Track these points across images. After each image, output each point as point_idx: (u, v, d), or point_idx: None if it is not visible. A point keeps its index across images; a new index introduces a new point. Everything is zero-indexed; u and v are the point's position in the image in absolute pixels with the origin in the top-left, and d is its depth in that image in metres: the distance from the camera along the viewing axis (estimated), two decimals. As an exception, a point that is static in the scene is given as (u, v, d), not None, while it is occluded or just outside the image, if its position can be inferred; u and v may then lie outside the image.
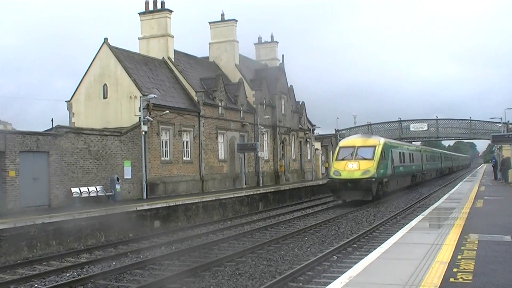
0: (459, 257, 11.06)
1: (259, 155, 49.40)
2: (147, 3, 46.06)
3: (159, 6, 45.91)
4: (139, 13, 46.37)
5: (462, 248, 12.15)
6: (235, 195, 35.15)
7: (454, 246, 12.42)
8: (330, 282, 9.44)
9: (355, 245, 19.30)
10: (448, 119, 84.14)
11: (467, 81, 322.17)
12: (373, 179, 35.37)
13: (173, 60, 45.15)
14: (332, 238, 21.37)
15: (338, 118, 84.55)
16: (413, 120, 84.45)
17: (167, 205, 27.96)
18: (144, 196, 33.67)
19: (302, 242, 20.15)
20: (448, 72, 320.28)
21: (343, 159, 36.63)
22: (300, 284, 13.69)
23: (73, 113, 38.79)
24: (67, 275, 15.94)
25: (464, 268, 9.90)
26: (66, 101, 39.07)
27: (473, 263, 10.36)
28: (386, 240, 14.59)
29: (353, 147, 37.08)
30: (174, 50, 46.38)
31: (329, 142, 74.19)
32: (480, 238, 13.63)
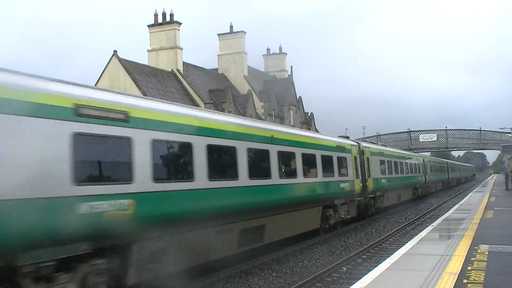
0: (469, 268, 11.00)
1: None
2: (156, 16, 46.39)
3: (168, 19, 46.24)
4: (148, 26, 46.70)
5: (472, 259, 12.09)
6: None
7: (464, 257, 12.36)
8: (340, 294, 9.42)
9: (364, 256, 19.18)
10: (458, 129, 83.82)
11: (477, 91, 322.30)
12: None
13: (182, 72, 45.37)
14: (341, 249, 21.25)
15: (347, 129, 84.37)
16: (423, 130, 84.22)
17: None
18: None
19: (311, 254, 20.05)
20: (459, 82, 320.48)
21: None
22: (310, 295, 13.62)
23: (83, 125, 38.91)
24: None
25: (475, 279, 9.84)
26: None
27: (484, 274, 10.30)
28: (395, 251, 14.53)
29: None
30: (183, 62, 46.64)
31: (338, 153, 73.82)
32: (491, 249, 13.54)
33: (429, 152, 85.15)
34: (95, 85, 38.82)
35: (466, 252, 13.09)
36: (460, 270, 10.75)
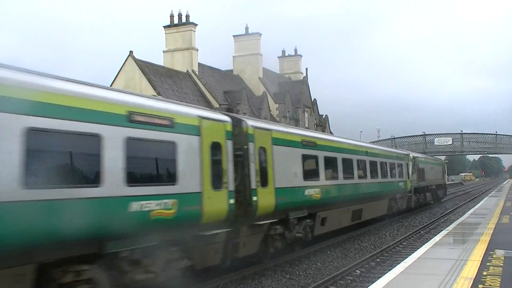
0: (484, 273, 10.91)
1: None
2: (172, 17, 46.54)
3: (183, 20, 46.37)
4: (164, 27, 46.87)
5: (488, 264, 11.98)
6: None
7: (480, 262, 12.26)
8: (353, 297, 9.38)
9: (378, 260, 19.08)
10: (474, 133, 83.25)
11: (496, 95, 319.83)
12: None
13: (197, 73, 45.47)
14: (355, 252, 21.16)
15: (361, 131, 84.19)
16: (438, 134, 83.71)
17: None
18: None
19: (324, 256, 19.99)
20: (478, 86, 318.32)
21: None
22: (323, 298, 13.57)
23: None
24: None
25: (490, 285, 9.76)
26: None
27: (499, 280, 10.21)
28: (410, 254, 14.44)
29: None
30: (199, 63, 46.74)
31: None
32: (507, 254, 13.42)
33: (444, 156, 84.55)
34: (111, 85, 39.05)
35: (482, 257, 12.98)
36: (476, 275, 10.66)
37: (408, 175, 35.40)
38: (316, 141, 20.37)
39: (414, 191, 37.43)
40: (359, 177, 25.11)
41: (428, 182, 43.59)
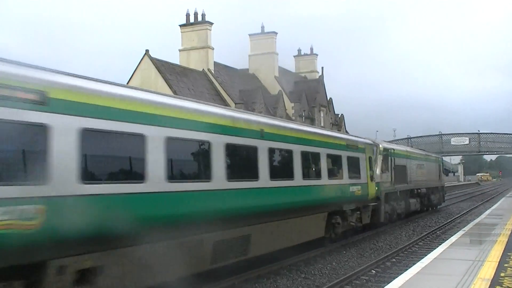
0: (502, 274, 10.81)
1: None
2: (188, 16, 46.64)
3: (199, 19, 46.45)
4: (180, 25, 46.97)
5: (506, 265, 11.88)
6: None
7: (497, 263, 12.15)
8: (369, 297, 9.33)
9: (394, 260, 19.00)
10: (491, 133, 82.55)
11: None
12: None
13: (213, 72, 45.53)
14: (371, 252, 21.07)
15: (377, 131, 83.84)
16: (454, 134, 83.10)
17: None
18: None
19: (339, 256, 19.93)
20: (496, 85, 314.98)
21: None
22: (338, 298, 13.54)
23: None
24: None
25: (508, 286, 9.67)
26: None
27: (517, 281, 10.11)
28: (426, 255, 14.36)
29: None
30: (214, 62, 46.79)
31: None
32: (524, 255, 13.30)
33: (460, 156, 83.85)
34: (127, 83, 39.25)
35: (499, 258, 12.87)
36: (493, 276, 10.57)
37: (371, 174, 23.63)
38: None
39: (387, 198, 26.85)
40: (242, 177, 13.78)
41: (414, 184, 32.83)
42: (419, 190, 34.76)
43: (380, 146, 26.96)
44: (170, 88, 37.87)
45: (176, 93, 37.62)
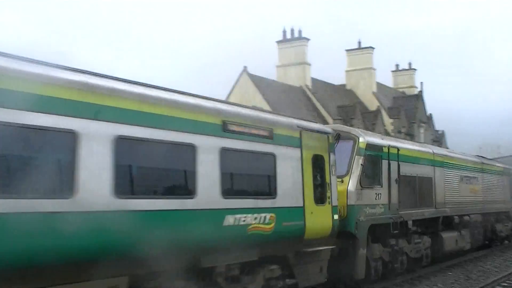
0: None
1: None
2: (284, 32, 46.72)
3: (296, 35, 46.43)
4: (277, 42, 47.08)
5: None
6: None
7: None
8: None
9: (504, 284, 17.77)
10: None
11: None
12: None
13: (310, 88, 45.22)
14: (478, 274, 19.89)
15: (480, 148, 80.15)
16: None
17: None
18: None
19: (445, 277, 18.93)
20: None
21: None
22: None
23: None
24: None
25: None
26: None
27: None
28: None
29: None
30: (311, 78, 46.45)
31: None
32: None
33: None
34: (226, 99, 39.56)
35: None
36: None
37: (319, 191, 12.48)
38: None
39: (376, 233, 15.17)
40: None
41: (451, 208, 20.90)
42: (466, 217, 22.38)
43: (361, 139, 14.90)
44: (268, 104, 37.73)
45: (273, 109, 37.45)
